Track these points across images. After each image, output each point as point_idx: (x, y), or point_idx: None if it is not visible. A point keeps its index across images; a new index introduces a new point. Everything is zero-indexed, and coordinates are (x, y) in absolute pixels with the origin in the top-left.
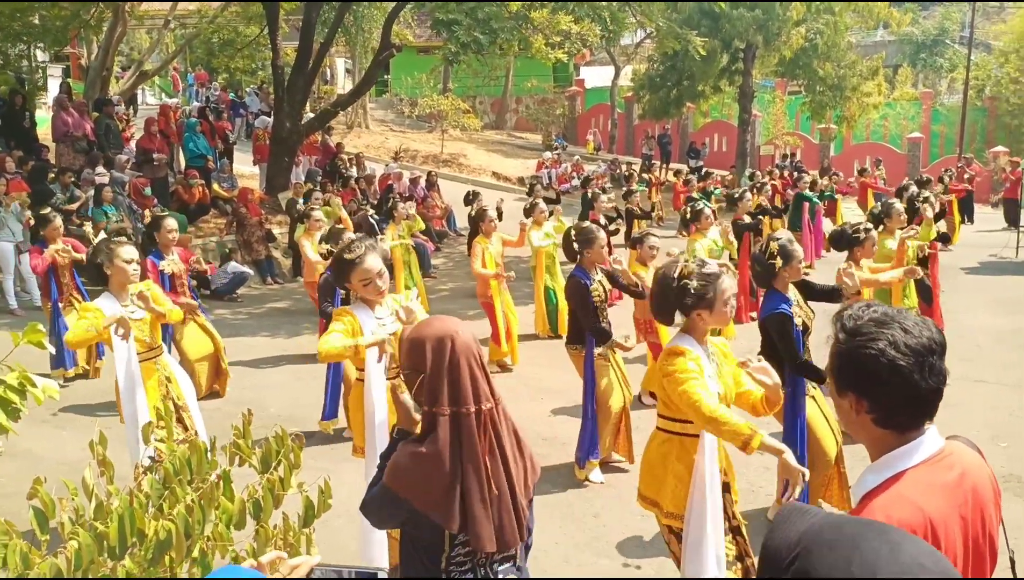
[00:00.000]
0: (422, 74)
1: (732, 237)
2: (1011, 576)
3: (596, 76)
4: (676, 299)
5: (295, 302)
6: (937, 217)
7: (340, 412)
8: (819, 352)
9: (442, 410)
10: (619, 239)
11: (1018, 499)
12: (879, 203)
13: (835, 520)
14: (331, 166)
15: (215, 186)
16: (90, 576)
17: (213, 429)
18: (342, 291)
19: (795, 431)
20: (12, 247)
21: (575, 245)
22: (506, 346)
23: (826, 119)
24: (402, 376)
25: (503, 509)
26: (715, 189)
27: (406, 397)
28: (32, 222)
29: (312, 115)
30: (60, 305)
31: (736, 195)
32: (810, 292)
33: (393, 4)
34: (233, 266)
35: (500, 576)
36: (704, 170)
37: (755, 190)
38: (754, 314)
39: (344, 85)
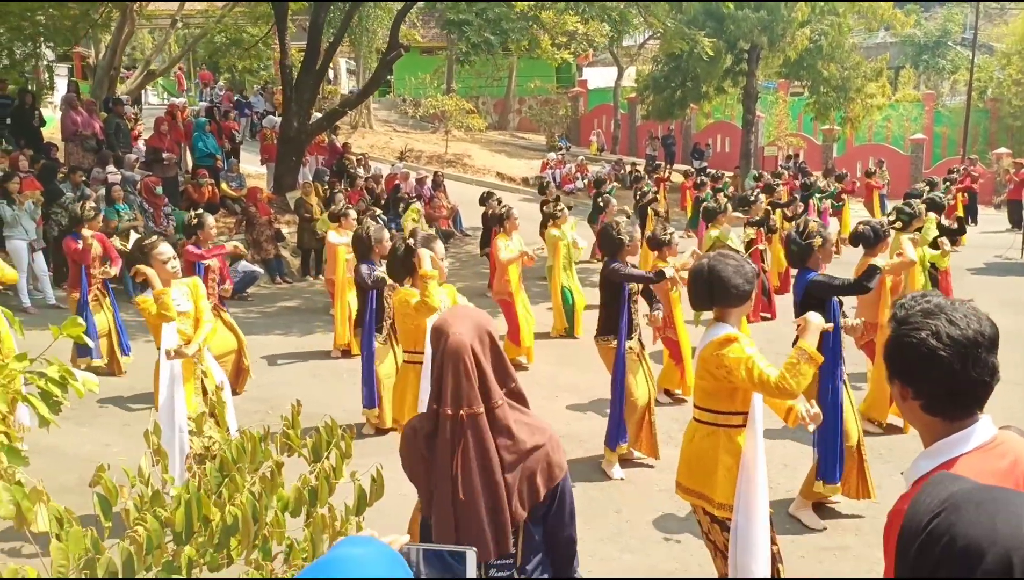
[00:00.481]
0: (426, 74)
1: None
2: None
3: (599, 77)
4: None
5: (305, 301)
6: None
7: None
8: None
9: (431, 402)
10: None
11: None
12: (907, 203)
13: (985, 486)
14: (338, 166)
15: (223, 185)
16: (152, 562)
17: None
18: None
19: (830, 411)
20: (25, 245)
21: (616, 237)
22: (527, 342)
23: (830, 120)
24: None
25: (472, 515)
26: (726, 185)
27: None
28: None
29: (319, 115)
30: (89, 298)
31: (751, 197)
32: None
33: (401, 4)
34: (243, 265)
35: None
36: (715, 171)
37: (766, 192)
38: (765, 314)
39: (347, 85)
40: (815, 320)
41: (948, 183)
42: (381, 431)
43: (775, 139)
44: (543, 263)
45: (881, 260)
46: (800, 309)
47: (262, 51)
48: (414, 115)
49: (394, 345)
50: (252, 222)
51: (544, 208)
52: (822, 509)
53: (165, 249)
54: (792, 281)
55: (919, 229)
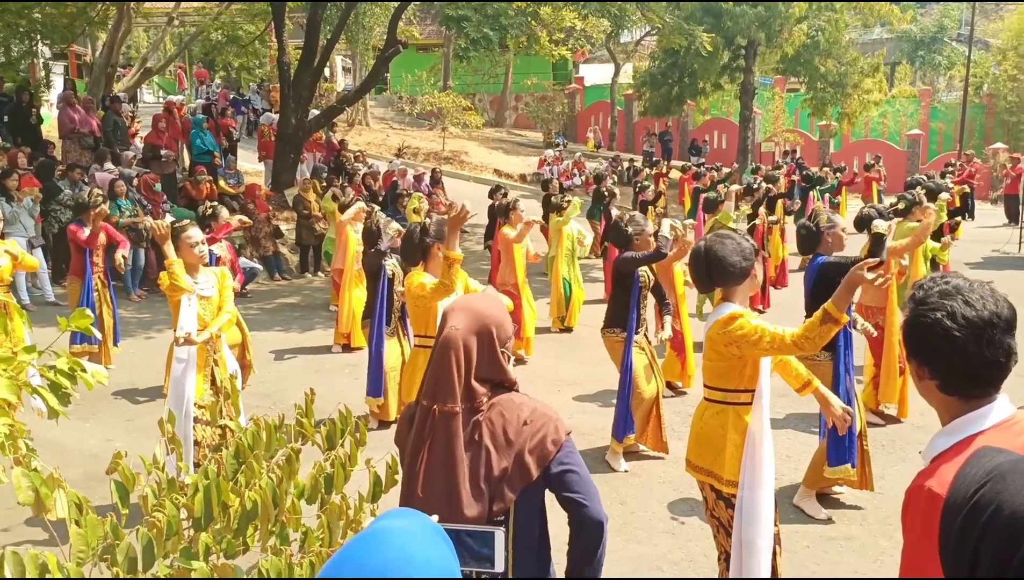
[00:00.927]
0: (422, 72)
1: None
2: None
3: (595, 74)
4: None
5: (305, 297)
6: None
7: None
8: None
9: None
10: None
11: None
12: (908, 192)
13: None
14: (336, 162)
15: (221, 182)
16: (170, 548)
17: None
18: (390, 270)
19: (843, 391)
20: (25, 242)
21: (627, 230)
22: (528, 334)
23: (827, 116)
24: None
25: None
26: (728, 175)
27: None
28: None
29: (316, 112)
30: (93, 292)
31: (754, 185)
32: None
33: (399, 2)
34: (242, 262)
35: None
36: (715, 166)
37: (768, 181)
38: (757, 307)
39: (343, 83)
40: (855, 276)
41: (947, 177)
42: (384, 424)
43: (772, 135)
44: (545, 257)
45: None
46: (812, 294)
47: (259, 49)
48: (411, 112)
49: (400, 338)
50: (250, 219)
51: (551, 200)
52: (825, 499)
53: (195, 233)
54: (788, 275)
55: (919, 219)
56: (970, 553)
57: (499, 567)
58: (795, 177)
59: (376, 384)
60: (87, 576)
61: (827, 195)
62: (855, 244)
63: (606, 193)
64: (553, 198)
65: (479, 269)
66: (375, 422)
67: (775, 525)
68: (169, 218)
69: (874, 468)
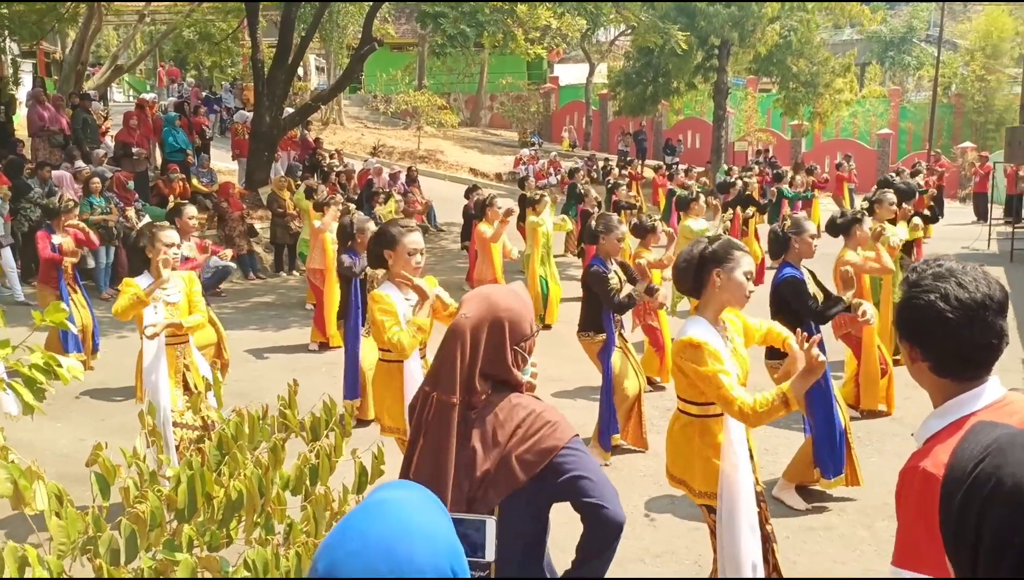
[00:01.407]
0: (397, 71)
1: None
2: None
3: (570, 73)
4: (687, 264)
5: (280, 296)
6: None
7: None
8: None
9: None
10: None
11: None
12: (876, 190)
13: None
14: (311, 161)
15: (194, 181)
16: (153, 540)
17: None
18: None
19: (817, 401)
20: None
21: (596, 229)
22: None
23: (799, 116)
24: None
25: None
26: (694, 182)
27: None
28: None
29: (290, 110)
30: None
31: (730, 181)
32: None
33: (374, 1)
34: (215, 261)
35: None
36: (685, 166)
37: (741, 181)
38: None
39: (316, 82)
40: (808, 369)
41: (917, 176)
42: (363, 422)
43: (745, 135)
44: (522, 254)
45: (855, 256)
46: (773, 303)
47: (231, 47)
48: (385, 111)
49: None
50: (224, 218)
51: (525, 196)
52: (804, 490)
53: (170, 235)
54: (764, 273)
55: (892, 220)
56: (972, 531)
57: (490, 555)
58: (767, 174)
59: (353, 386)
60: (68, 570)
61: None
62: (829, 247)
63: (581, 190)
64: (528, 195)
65: (456, 268)
66: (353, 420)
67: (768, 523)
68: (146, 219)
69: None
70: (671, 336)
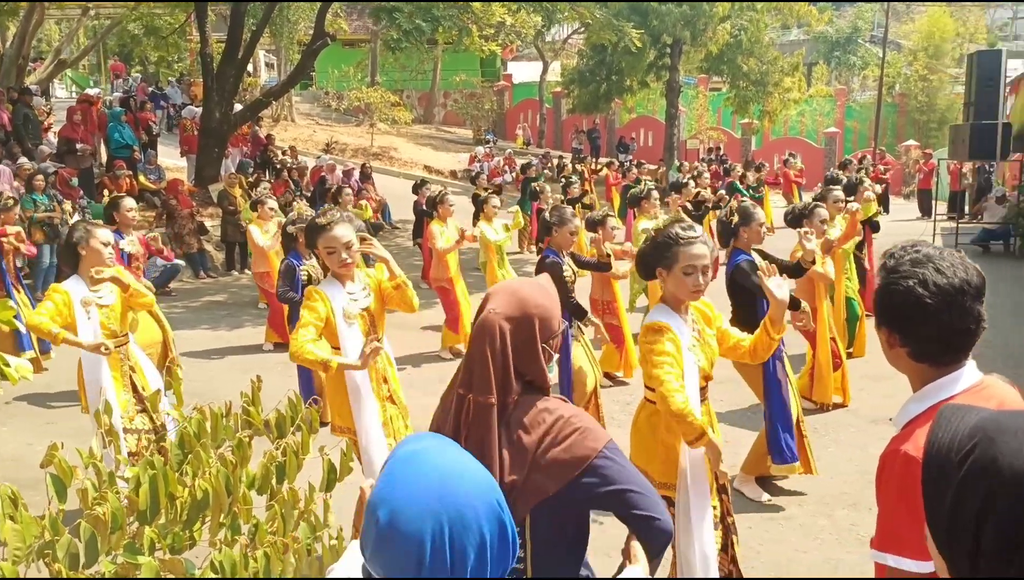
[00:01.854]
0: (349, 67)
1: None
2: None
3: (524, 71)
4: (660, 257)
5: (232, 295)
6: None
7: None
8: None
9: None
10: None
11: None
12: (820, 187)
13: (1007, 413)
14: (262, 157)
15: (141, 178)
16: (115, 543)
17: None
18: (304, 275)
19: (773, 389)
20: None
21: (550, 221)
22: (467, 329)
23: (749, 114)
24: None
25: None
26: (646, 179)
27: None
28: None
29: (240, 106)
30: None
31: (683, 181)
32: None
33: (324, 1)
34: (161, 261)
35: None
36: (636, 161)
37: (694, 179)
38: None
39: (265, 79)
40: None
41: (863, 172)
42: (324, 423)
43: (696, 132)
44: (475, 255)
45: (813, 244)
46: (730, 292)
47: (178, 42)
48: (337, 108)
49: None
50: (173, 215)
51: (478, 196)
52: (763, 481)
53: (104, 234)
54: (718, 266)
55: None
56: (971, 526)
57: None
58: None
59: (306, 387)
60: (24, 575)
61: (750, 193)
62: (785, 241)
63: (537, 188)
64: (480, 195)
65: (412, 265)
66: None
67: (729, 515)
68: (76, 217)
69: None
70: (631, 332)
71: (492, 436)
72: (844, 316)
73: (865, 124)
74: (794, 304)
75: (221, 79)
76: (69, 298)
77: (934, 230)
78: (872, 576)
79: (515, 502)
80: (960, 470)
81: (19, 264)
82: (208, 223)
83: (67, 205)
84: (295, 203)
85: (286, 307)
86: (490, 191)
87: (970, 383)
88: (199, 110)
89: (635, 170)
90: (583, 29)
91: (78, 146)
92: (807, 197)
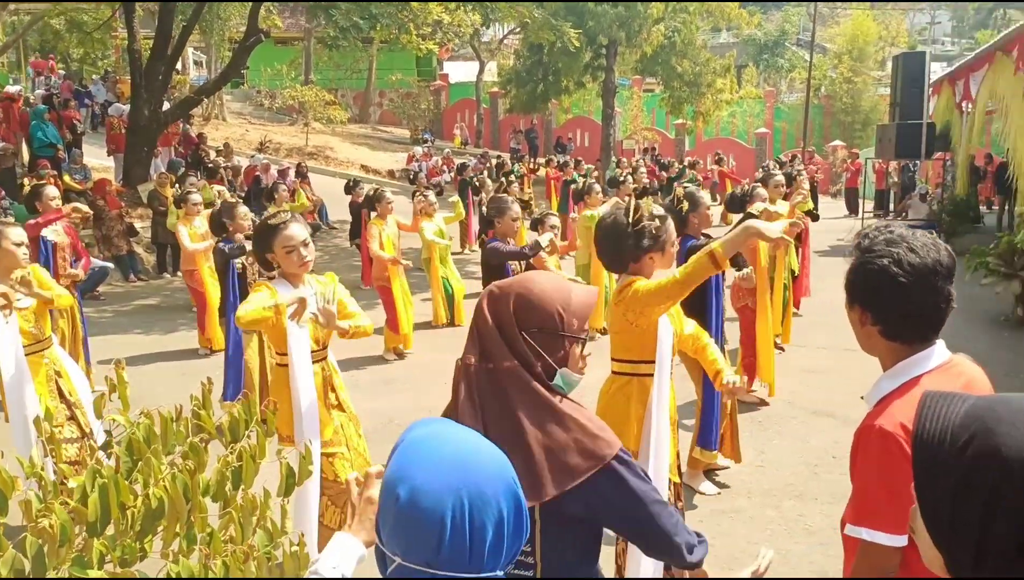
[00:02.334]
0: (282, 65)
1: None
2: None
3: (460, 71)
4: (633, 243)
5: (165, 298)
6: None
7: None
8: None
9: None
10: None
11: None
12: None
13: (993, 399)
14: (193, 156)
15: (66, 178)
16: (63, 558)
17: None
18: (239, 265)
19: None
20: None
21: (489, 214)
22: (405, 329)
23: (682, 114)
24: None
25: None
26: (590, 170)
27: None
28: None
29: (169, 104)
30: None
31: (620, 178)
32: None
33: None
34: (92, 261)
35: None
36: (575, 160)
37: (631, 174)
38: None
39: (194, 75)
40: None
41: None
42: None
43: (632, 133)
44: (416, 255)
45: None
46: None
47: (104, 38)
48: (270, 107)
49: (260, 335)
50: (101, 217)
51: (416, 196)
52: (710, 475)
53: (17, 233)
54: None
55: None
56: (977, 519)
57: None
58: (663, 174)
59: (235, 387)
60: None
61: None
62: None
63: (476, 182)
64: (418, 195)
65: (351, 266)
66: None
67: (680, 500)
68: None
69: (752, 444)
70: None
71: (529, 395)
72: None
73: (793, 125)
74: (737, 264)
75: (150, 76)
76: None
77: (862, 228)
78: (824, 569)
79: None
80: (960, 460)
81: None
82: (138, 224)
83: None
84: (215, 188)
85: (216, 305)
86: (424, 187)
87: (940, 361)
88: (127, 108)
89: (571, 166)
90: (519, 29)
91: None
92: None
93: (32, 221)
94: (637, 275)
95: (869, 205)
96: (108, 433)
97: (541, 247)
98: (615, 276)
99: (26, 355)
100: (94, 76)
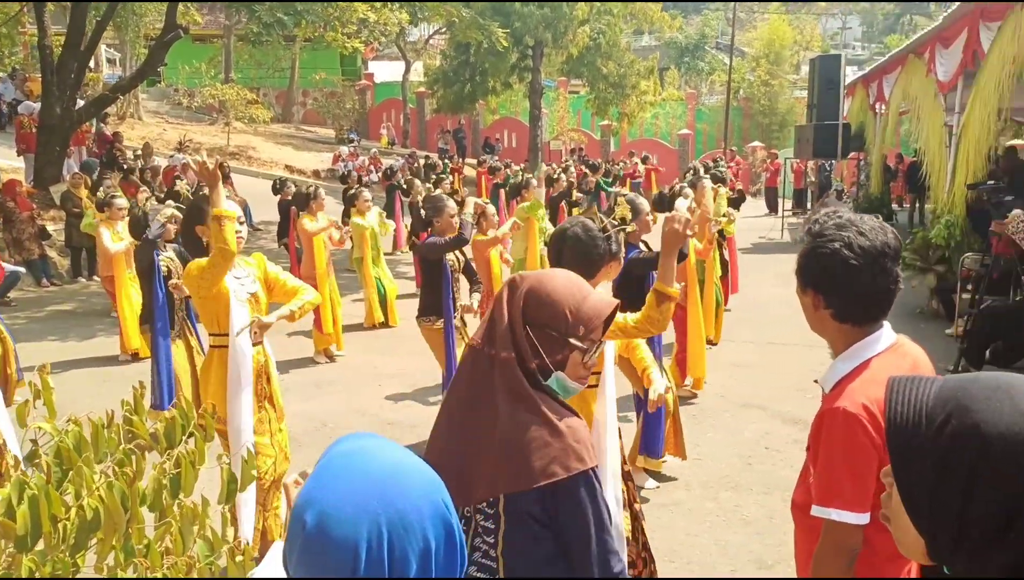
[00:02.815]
0: (200, 63)
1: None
2: None
3: (385, 71)
4: (602, 251)
5: (81, 303)
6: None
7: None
8: None
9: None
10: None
11: None
12: (690, 173)
13: (963, 379)
14: (108, 156)
15: None
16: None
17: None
18: (164, 267)
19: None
20: None
21: (424, 213)
22: (328, 328)
23: (608, 115)
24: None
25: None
26: (520, 172)
27: None
28: None
29: (82, 103)
30: None
31: (554, 177)
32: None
33: None
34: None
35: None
36: (505, 162)
37: (563, 172)
38: None
39: (107, 73)
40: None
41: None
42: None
43: (558, 134)
44: (346, 255)
45: (682, 203)
46: (619, 286)
47: (11, 34)
48: (189, 105)
49: (189, 338)
50: (10, 219)
51: (347, 194)
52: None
53: None
54: None
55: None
56: (958, 497)
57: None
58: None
59: (162, 396)
60: None
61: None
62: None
63: (405, 184)
64: (351, 192)
65: (278, 265)
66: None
67: (636, 502)
68: None
69: (688, 438)
70: None
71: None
72: (712, 302)
73: (714, 126)
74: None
75: (62, 73)
76: None
77: (782, 225)
78: (761, 558)
79: (473, 483)
80: (937, 442)
81: None
82: (50, 227)
83: None
84: (140, 196)
85: (136, 311)
86: (360, 193)
87: (889, 342)
88: (37, 106)
89: (502, 170)
90: (445, 29)
91: None
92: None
93: None
94: (596, 282)
95: (788, 204)
96: (33, 442)
97: (470, 224)
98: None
99: None
100: (1, 73)
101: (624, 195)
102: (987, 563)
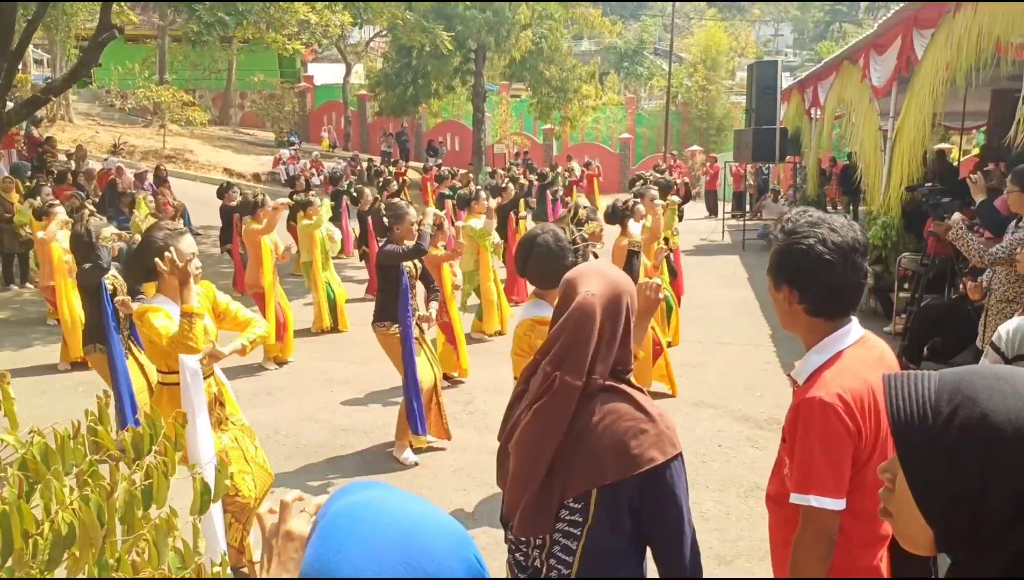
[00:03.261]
0: (134, 64)
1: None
2: None
3: (325, 73)
4: (571, 262)
5: (15, 311)
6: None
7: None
8: None
9: (537, 354)
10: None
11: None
12: (639, 183)
13: (961, 371)
14: (39, 160)
15: None
16: None
17: None
18: (110, 286)
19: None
20: None
21: (385, 220)
22: (271, 338)
23: (551, 119)
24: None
25: (513, 476)
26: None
27: None
28: None
29: (11, 104)
30: None
31: (501, 185)
32: None
33: None
34: None
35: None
36: (451, 168)
37: (512, 181)
38: (515, 299)
39: (35, 74)
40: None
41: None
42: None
43: (502, 138)
44: (295, 260)
45: (635, 227)
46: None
47: None
48: (122, 107)
49: (135, 354)
50: None
51: (293, 197)
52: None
53: None
54: None
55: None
56: (975, 487)
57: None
58: (532, 178)
59: (125, 414)
60: None
61: (559, 195)
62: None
63: (355, 193)
64: (296, 196)
65: (220, 273)
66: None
67: None
68: None
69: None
70: (463, 331)
71: (566, 415)
72: (664, 308)
73: (654, 130)
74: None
75: None
76: None
77: (723, 228)
78: (721, 555)
79: (570, 479)
80: (946, 434)
81: None
82: None
83: None
84: (84, 212)
85: (79, 326)
86: (311, 195)
87: (858, 336)
88: None
89: (448, 178)
90: (387, 32)
91: None
92: (607, 199)
93: None
94: (541, 298)
95: (728, 206)
96: None
97: (428, 234)
98: (501, 282)
99: None
100: None
101: (585, 208)
102: (997, 553)
